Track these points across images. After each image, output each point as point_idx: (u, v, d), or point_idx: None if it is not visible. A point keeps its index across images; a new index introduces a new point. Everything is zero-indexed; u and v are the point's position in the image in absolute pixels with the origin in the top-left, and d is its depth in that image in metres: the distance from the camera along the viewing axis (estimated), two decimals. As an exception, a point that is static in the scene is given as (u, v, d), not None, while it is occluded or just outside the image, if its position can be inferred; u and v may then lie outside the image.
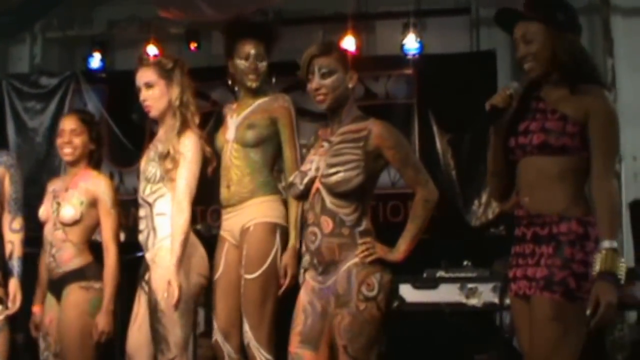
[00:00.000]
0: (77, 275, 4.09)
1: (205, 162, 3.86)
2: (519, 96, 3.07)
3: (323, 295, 3.31)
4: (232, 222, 4.02)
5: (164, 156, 3.80)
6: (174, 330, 3.69)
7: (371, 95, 7.72)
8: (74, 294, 4.07)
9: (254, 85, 4.07)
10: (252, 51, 4.04)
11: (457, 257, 5.79)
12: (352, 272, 3.24)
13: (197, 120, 3.89)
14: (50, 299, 4.18)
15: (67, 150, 4.23)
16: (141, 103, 3.88)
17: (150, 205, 3.83)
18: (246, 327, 3.85)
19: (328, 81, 3.34)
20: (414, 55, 7.69)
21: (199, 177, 3.83)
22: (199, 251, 3.83)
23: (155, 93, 3.86)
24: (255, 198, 3.97)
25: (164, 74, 3.87)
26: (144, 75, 3.88)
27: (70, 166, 4.30)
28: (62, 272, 4.11)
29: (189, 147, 3.78)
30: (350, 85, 3.38)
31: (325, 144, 3.41)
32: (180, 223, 3.70)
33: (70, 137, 4.22)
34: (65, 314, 4.05)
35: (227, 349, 3.94)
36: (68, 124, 4.26)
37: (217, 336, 3.96)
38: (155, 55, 3.97)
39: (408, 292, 5.49)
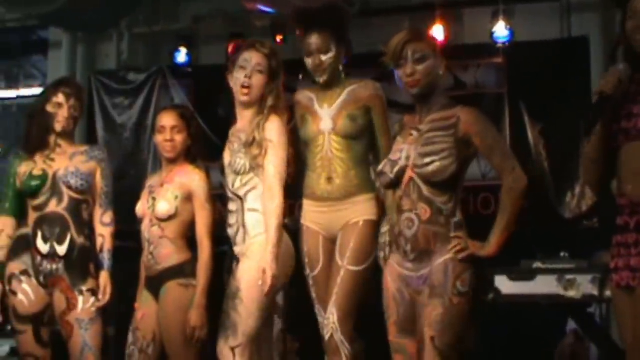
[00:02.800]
0: (176, 272, 4.11)
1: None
2: (628, 79, 2.94)
3: (413, 284, 3.33)
4: (332, 217, 4.01)
5: (250, 144, 3.79)
6: (248, 320, 3.69)
7: (461, 85, 7.65)
8: (174, 291, 4.09)
9: (322, 80, 4.05)
10: (313, 46, 4.00)
11: (551, 249, 5.70)
12: (448, 266, 3.26)
13: (286, 118, 3.88)
14: (147, 295, 4.21)
15: (169, 147, 4.26)
16: (237, 81, 3.84)
17: (241, 199, 3.82)
18: (333, 317, 3.83)
19: (422, 66, 3.34)
20: (503, 43, 7.56)
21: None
22: (285, 244, 3.79)
23: (259, 80, 3.82)
24: (363, 195, 3.97)
25: (271, 68, 3.85)
26: (257, 59, 3.83)
27: (168, 162, 4.32)
28: (161, 269, 4.14)
29: (274, 131, 3.76)
30: (441, 72, 3.39)
31: (414, 133, 3.41)
32: (273, 208, 3.67)
33: (172, 134, 4.25)
34: (166, 312, 4.09)
35: (345, 346, 3.84)
36: (168, 120, 4.29)
37: (330, 332, 3.85)
38: (270, 45, 3.93)
39: (504, 284, 5.41)
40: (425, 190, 3.29)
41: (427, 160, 3.27)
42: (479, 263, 3.29)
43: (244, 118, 3.89)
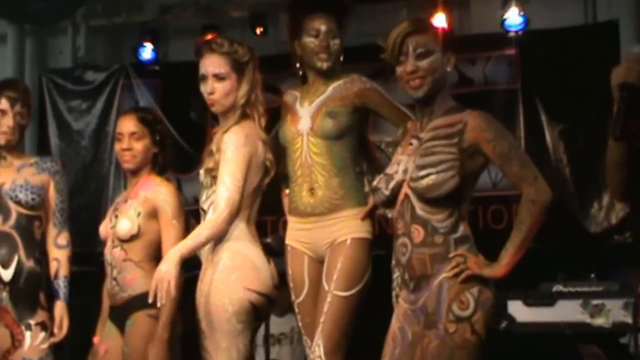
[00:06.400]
0: (143, 301, 3.91)
1: (264, 171, 3.82)
2: None
3: (414, 319, 3.29)
4: (317, 235, 4.01)
5: (209, 153, 3.80)
6: (217, 356, 3.65)
7: (467, 82, 7.66)
8: (141, 323, 4.05)
9: (325, 66, 4.07)
10: (323, 27, 4.05)
11: (576, 269, 5.69)
12: (443, 287, 3.20)
13: (263, 122, 3.86)
14: (111, 327, 4.18)
15: (127, 157, 4.24)
16: (203, 94, 3.85)
17: (206, 214, 3.81)
18: (319, 350, 3.83)
19: (425, 62, 3.28)
20: (516, 32, 7.59)
21: (262, 184, 3.81)
22: (249, 262, 3.72)
23: (225, 87, 3.81)
24: (349, 209, 3.97)
25: (237, 67, 3.83)
26: (215, 65, 3.82)
27: (131, 174, 4.31)
28: (127, 297, 4.11)
29: (229, 143, 3.72)
30: (448, 69, 3.35)
31: (414, 142, 3.37)
32: (208, 221, 3.66)
33: (130, 141, 4.23)
34: (132, 347, 4.05)
35: None
36: (126, 126, 4.27)
37: None
38: (229, 41, 3.91)
39: (519, 310, 5.41)
40: (418, 208, 3.25)
41: (422, 173, 3.22)
42: (487, 281, 3.21)
43: (220, 128, 3.89)
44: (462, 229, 3.26)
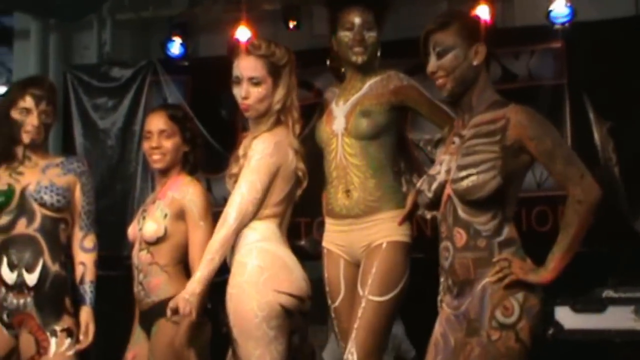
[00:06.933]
0: (167, 307, 4.03)
1: (296, 181, 3.83)
2: None
3: (457, 325, 3.29)
4: (352, 237, 4.04)
5: (235, 159, 3.82)
6: None
7: (510, 77, 7.64)
8: (164, 330, 4.02)
9: (359, 60, 4.08)
10: (357, 20, 4.06)
11: (627, 274, 5.65)
12: (486, 292, 3.20)
13: (298, 128, 3.85)
14: (140, 332, 4.20)
15: (156, 156, 4.24)
16: (236, 97, 3.84)
17: None
18: (353, 358, 3.84)
19: (444, 61, 3.30)
20: (563, 24, 7.54)
21: (293, 194, 3.82)
22: (279, 262, 3.73)
23: (260, 92, 3.80)
24: (386, 211, 3.98)
25: (273, 70, 3.82)
26: (251, 68, 3.81)
27: (160, 174, 4.32)
28: (152, 303, 4.12)
29: (256, 150, 3.72)
30: (475, 63, 3.32)
31: (456, 140, 3.37)
32: (218, 238, 3.67)
33: (160, 140, 4.23)
34: (155, 355, 4.07)
35: None
36: (155, 123, 4.27)
37: None
38: (267, 43, 3.90)
39: (566, 317, 5.40)
40: (460, 210, 3.26)
41: (463, 173, 3.22)
42: (533, 286, 3.19)
43: (251, 132, 3.89)
44: (507, 231, 3.25)
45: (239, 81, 3.81)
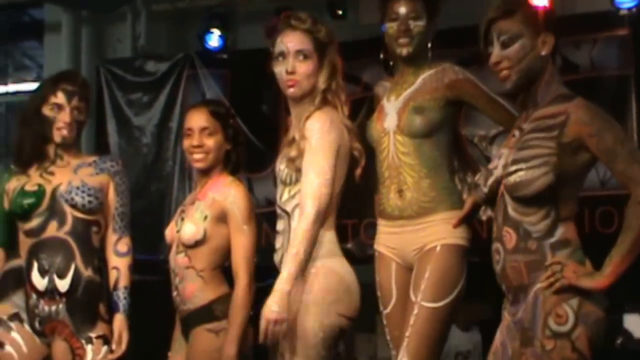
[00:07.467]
0: (203, 314, 4.07)
1: (352, 162, 3.82)
2: None
3: (515, 333, 3.27)
4: (404, 239, 3.99)
5: (289, 144, 3.80)
6: None
7: (571, 68, 7.53)
8: (201, 339, 4.04)
9: (404, 51, 4.02)
10: (402, 9, 3.99)
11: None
12: (538, 299, 3.18)
13: (346, 111, 3.84)
14: (181, 340, 4.19)
15: (198, 155, 4.23)
16: (279, 76, 3.81)
17: (288, 215, 3.80)
18: None
19: (510, 51, 3.28)
20: (629, 9, 7.44)
21: (346, 182, 3.79)
22: (344, 285, 3.73)
23: (308, 66, 3.79)
24: (441, 212, 3.94)
25: (319, 47, 3.81)
26: (297, 41, 3.80)
27: (201, 174, 4.31)
28: (187, 311, 4.12)
29: (315, 129, 3.70)
30: (543, 53, 3.31)
31: (517, 133, 3.36)
32: (299, 230, 3.62)
33: (202, 138, 4.23)
34: None
35: None
36: (197, 121, 4.26)
37: None
38: (312, 18, 3.89)
39: (636, 325, 5.33)
40: (510, 208, 3.24)
41: (513, 168, 3.21)
42: (590, 292, 3.14)
43: (295, 116, 3.89)
44: (561, 232, 3.22)
45: (284, 55, 3.80)
